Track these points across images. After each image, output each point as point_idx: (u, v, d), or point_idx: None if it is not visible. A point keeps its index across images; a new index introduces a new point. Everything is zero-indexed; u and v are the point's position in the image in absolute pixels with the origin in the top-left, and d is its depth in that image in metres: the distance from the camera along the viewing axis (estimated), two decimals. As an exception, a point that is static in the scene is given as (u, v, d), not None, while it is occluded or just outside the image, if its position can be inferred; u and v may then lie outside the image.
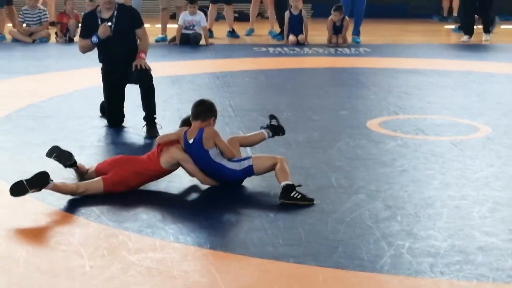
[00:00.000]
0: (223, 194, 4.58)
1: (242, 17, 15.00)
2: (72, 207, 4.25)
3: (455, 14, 16.46)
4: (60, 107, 6.82)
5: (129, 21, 6.14)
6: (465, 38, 12.45)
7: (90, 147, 5.57)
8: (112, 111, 6.25)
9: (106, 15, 6.07)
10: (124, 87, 6.26)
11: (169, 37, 11.97)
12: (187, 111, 6.62)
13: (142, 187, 4.61)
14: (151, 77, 6.11)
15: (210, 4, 12.79)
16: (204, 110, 4.73)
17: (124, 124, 6.27)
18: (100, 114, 6.50)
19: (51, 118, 6.44)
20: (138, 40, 6.24)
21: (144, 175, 4.59)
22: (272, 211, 4.22)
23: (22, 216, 4.10)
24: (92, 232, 3.88)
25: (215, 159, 4.65)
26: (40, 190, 4.23)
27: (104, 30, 6.01)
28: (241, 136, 5.15)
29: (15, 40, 11.54)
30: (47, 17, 11.77)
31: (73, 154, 4.72)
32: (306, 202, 4.35)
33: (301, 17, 11.83)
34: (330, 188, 4.64)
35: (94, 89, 7.24)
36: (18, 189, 4.15)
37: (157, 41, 11.95)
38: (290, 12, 11.88)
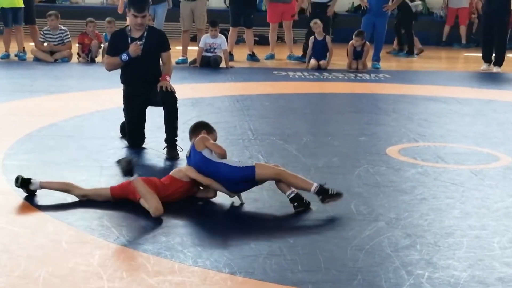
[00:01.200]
0: (241, 217, 4.59)
1: (262, 40, 15.07)
2: (92, 228, 4.27)
3: (463, 41, 16.55)
4: (81, 127, 6.86)
5: (157, 44, 6.20)
6: (484, 66, 12.45)
7: (110, 167, 5.59)
8: (133, 132, 6.28)
9: (136, 35, 6.14)
10: (146, 108, 6.30)
11: (189, 59, 12.03)
12: (207, 134, 6.71)
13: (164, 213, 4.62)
14: (176, 99, 6.13)
15: (231, 28, 12.86)
16: (190, 131, 5.20)
17: (144, 145, 6.30)
18: (120, 135, 6.53)
19: (72, 138, 6.48)
20: (162, 63, 6.29)
21: (157, 186, 4.72)
22: (291, 236, 4.22)
23: (42, 236, 4.11)
24: (112, 254, 3.90)
25: (212, 158, 4.87)
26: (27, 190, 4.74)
27: (135, 48, 6.06)
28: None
29: (37, 59, 11.64)
30: (69, 38, 11.87)
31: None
32: (340, 196, 4.74)
33: (325, 42, 11.86)
34: (349, 215, 4.63)
35: (115, 110, 7.28)
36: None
37: (177, 63, 12.01)
38: (315, 37, 11.92)
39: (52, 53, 11.70)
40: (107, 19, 12.05)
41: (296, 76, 11.03)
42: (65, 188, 4.76)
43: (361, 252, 3.97)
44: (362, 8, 12.37)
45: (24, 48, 11.86)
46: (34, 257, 3.80)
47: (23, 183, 4.76)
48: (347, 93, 9.94)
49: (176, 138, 6.10)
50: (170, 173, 4.94)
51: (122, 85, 6.34)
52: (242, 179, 4.77)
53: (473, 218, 4.61)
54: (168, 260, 3.80)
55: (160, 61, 6.29)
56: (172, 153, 6.01)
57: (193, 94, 9.03)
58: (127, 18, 6.08)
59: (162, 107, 6.14)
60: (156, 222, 4.43)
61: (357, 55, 11.87)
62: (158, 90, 6.07)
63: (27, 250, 3.89)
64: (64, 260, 3.78)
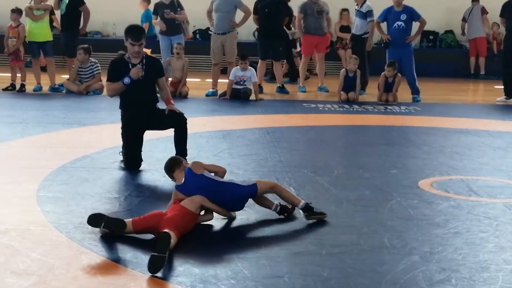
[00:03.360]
0: (272, 248, 4.57)
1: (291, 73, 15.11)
2: (126, 260, 4.29)
3: (482, 72, 16.51)
4: (114, 159, 6.91)
5: (154, 70, 6.68)
6: (502, 98, 12.40)
7: (143, 199, 5.63)
8: (131, 155, 6.61)
9: (135, 61, 6.58)
10: (143, 133, 6.72)
11: (219, 92, 12.12)
12: (237, 165, 6.79)
13: (193, 242, 4.64)
14: (185, 120, 6.68)
15: (259, 60, 12.94)
16: (170, 165, 5.25)
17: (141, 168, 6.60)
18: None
19: (105, 170, 6.54)
20: (159, 89, 6.81)
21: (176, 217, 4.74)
22: (325, 269, 4.20)
23: (77, 268, 4.14)
24: (146, 286, 3.91)
25: (217, 178, 5.15)
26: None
27: (137, 71, 6.50)
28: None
29: (69, 92, 11.79)
30: (99, 70, 12.02)
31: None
32: (323, 216, 5.13)
33: (355, 77, 11.91)
34: (383, 249, 4.61)
35: (147, 142, 7.33)
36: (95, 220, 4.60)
37: (207, 95, 12.12)
38: (346, 71, 11.96)
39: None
40: (120, 52, 12.21)
41: (326, 109, 11.05)
42: None
43: (396, 286, 3.95)
44: (384, 41, 12.40)
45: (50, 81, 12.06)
46: (69, 289, 3.83)
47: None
48: (378, 125, 9.93)
49: (186, 158, 6.39)
50: (181, 203, 4.92)
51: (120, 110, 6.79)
52: (248, 196, 5.12)
53: (508, 252, 4.58)
54: (203, 292, 3.81)
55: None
56: None
57: (224, 126, 9.08)
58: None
59: (173, 129, 6.64)
60: (189, 253, 4.44)
61: (388, 87, 11.87)
62: (166, 113, 6.60)
63: (63, 282, 3.92)
64: (100, 292, 3.80)
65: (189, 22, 12.63)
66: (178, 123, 6.63)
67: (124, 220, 4.67)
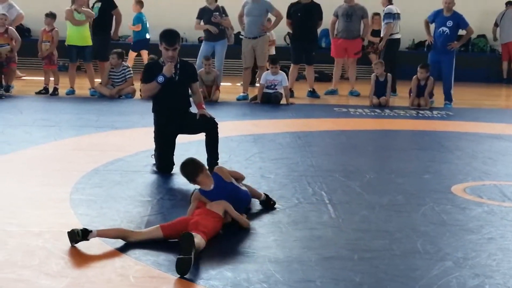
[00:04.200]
0: (303, 252, 4.56)
1: (323, 77, 15.11)
2: (158, 263, 4.31)
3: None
4: (147, 162, 6.95)
5: (189, 75, 6.74)
6: None
7: (180, 201, 5.65)
8: (165, 159, 6.67)
9: None
10: (176, 137, 6.77)
11: (250, 96, 12.13)
12: (269, 170, 6.80)
13: (225, 245, 4.65)
14: (216, 124, 6.70)
15: (292, 64, 12.94)
16: (194, 170, 5.23)
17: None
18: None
19: (138, 173, 6.58)
20: (192, 93, 6.86)
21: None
22: (357, 275, 4.19)
23: (110, 270, 4.17)
24: (179, 289, 3.93)
25: (239, 186, 5.35)
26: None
27: (169, 68, 6.52)
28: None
29: (102, 96, 11.88)
30: (131, 74, 12.09)
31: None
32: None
33: (386, 81, 11.86)
34: (415, 254, 4.58)
35: (179, 146, 7.36)
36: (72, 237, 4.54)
37: (238, 99, 12.13)
38: (376, 76, 11.92)
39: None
40: (150, 56, 12.32)
41: (357, 113, 11.01)
42: (121, 235, 4.64)
43: (429, 292, 3.93)
44: (428, 43, 12.30)
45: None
46: (103, 291, 3.86)
47: (83, 235, 4.53)
48: (410, 130, 9.87)
49: (218, 162, 6.56)
50: (208, 207, 4.95)
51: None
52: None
53: (543, 259, 4.53)
54: (235, 296, 3.82)
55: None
56: None
57: (255, 130, 9.09)
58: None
59: (204, 133, 6.70)
60: (222, 257, 4.45)
61: (420, 91, 11.79)
62: (197, 118, 6.65)
63: (96, 285, 3.95)
64: (133, 294, 3.82)
65: (233, 29, 12.66)
66: (209, 128, 6.67)
67: (155, 228, 4.73)
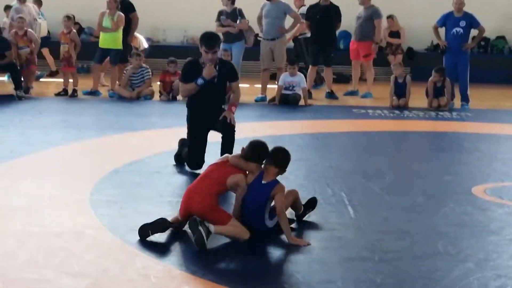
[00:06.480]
0: (324, 253, 4.56)
1: (341, 78, 15.07)
2: (180, 264, 4.32)
3: None
4: (166, 163, 6.97)
5: (228, 74, 6.74)
6: None
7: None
8: (197, 155, 6.69)
9: None
10: (208, 132, 6.79)
11: (268, 97, 12.12)
12: (288, 171, 6.62)
13: (246, 246, 4.65)
14: (234, 130, 6.72)
15: (310, 66, 12.91)
16: (280, 159, 5.02)
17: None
18: (174, 163, 6.86)
19: (157, 174, 6.59)
20: (232, 92, 6.93)
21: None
22: (378, 276, 4.18)
23: (132, 270, 4.18)
24: (200, 289, 3.94)
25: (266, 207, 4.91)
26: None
27: (209, 70, 6.53)
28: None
29: (121, 97, 11.91)
30: (149, 75, 12.11)
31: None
32: None
33: (405, 83, 11.82)
34: (436, 255, 4.56)
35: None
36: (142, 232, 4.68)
37: (256, 100, 12.12)
38: (395, 78, 11.88)
39: (133, 90, 11.98)
40: (170, 58, 12.31)
41: (376, 114, 10.97)
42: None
43: (451, 293, 3.91)
44: (441, 47, 12.25)
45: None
46: (124, 291, 3.87)
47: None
48: (429, 131, 9.83)
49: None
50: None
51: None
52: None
53: None
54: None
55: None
56: None
57: (273, 131, 9.08)
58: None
59: (221, 135, 6.71)
60: (243, 258, 4.45)
61: (438, 92, 11.75)
62: (220, 119, 6.65)
63: (118, 284, 3.97)
64: (154, 294, 3.83)
65: (253, 31, 12.64)
66: (226, 133, 6.70)
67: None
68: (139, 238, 4.67)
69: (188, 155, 6.78)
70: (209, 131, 6.80)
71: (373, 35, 12.73)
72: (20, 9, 13.09)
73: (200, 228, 4.51)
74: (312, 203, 5.36)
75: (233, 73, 6.84)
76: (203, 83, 6.55)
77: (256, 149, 5.04)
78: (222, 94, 6.90)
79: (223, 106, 6.87)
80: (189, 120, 6.83)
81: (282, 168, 5.03)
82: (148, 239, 4.68)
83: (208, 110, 6.70)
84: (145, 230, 4.68)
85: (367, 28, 12.76)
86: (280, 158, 5.05)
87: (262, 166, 5.01)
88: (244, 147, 5.07)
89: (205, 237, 4.49)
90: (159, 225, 4.72)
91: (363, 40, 12.83)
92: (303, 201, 5.27)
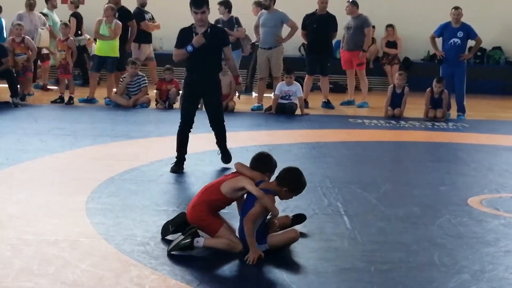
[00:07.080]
0: (319, 264, 4.55)
1: (337, 88, 15.09)
2: (175, 273, 4.30)
3: None
4: (162, 172, 6.95)
5: (219, 39, 7.12)
6: None
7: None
8: (187, 117, 7.10)
9: (200, 30, 7.04)
10: (200, 100, 7.32)
11: (265, 106, 12.12)
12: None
13: (241, 256, 4.64)
14: (224, 130, 7.29)
15: (307, 75, 12.92)
16: (284, 178, 4.89)
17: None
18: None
19: (153, 182, 6.58)
20: (225, 59, 7.36)
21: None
22: (374, 286, 4.18)
23: (126, 280, 4.17)
24: (195, 299, 3.93)
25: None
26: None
27: (198, 39, 6.95)
28: None
29: (117, 105, 11.89)
30: (145, 83, 12.10)
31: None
32: None
33: (403, 93, 11.84)
34: (432, 266, 4.55)
35: (194, 156, 7.39)
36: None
37: (253, 109, 12.12)
38: (394, 87, 11.90)
39: (130, 98, 11.96)
40: (166, 66, 12.30)
41: (372, 124, 10.98)
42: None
43: (447, 305, 3.90)
44: (438, 57, 12.27)
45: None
46: (119, 300, 3.86)
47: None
48: (425, 141, 9.84)
49: (231, 159, 7.19)
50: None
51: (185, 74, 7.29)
52: None
53: (562, 273, 4.49)
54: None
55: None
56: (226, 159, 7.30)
57: (269, 140, 9.08)
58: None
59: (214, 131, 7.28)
60: (238, 268, 4.44)
61: (434, 103, 11.76)
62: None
63: (112, 293, 3.95)
64: (149, 304, 3.82)
65: (250, 40, 12.64)
66: (216, 130, 7.23)
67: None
68: (160, 236, 4.89)
69: (181, 117, 7.16)
70: (200, 97, 7.27)
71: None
72: (23, 16, 13.12)
73: (185, 235, 4.63)
74: (299, 219, 5.31)
75: (226, 38, 7.23)
76: (191, 50, 6.93)
77: (262, 158, 5.04)
78: (216, 59, 7.18)
79: (218, 75, 7.25)
80: (185, 81, 7.25)
81: (285, 187, 4.85)
82: (142, 248, 4.67)
83: (204, 71, 7.04)
84: (166, 227, 4.92)
85: (359, 37, 12.78)
86: (286, 177, 4.89)
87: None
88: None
89: (171, 231, 4.86)
90: (179, 218, 4.92)
91: (356, 50, 12.85)
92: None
